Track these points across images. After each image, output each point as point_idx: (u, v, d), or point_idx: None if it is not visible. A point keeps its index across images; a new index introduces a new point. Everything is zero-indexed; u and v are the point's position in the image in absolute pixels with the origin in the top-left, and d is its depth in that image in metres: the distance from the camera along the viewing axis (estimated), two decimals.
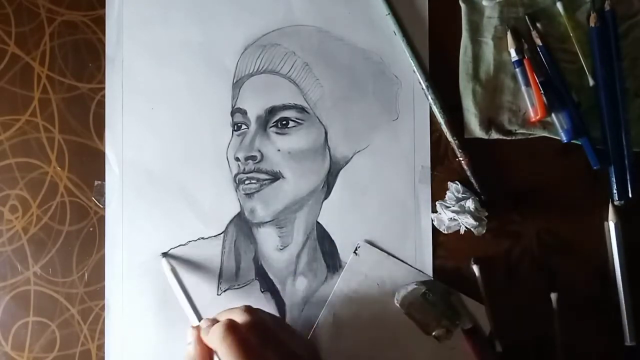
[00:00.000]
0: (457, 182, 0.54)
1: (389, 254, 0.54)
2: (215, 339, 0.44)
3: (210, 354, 0.46)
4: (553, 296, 0.53)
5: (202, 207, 0.55)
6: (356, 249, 0.54)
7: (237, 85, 0.55)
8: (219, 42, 0.55)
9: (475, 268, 0.53)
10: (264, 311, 0.49)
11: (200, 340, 0.46)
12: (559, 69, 0.54)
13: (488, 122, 0.54)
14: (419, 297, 0.52)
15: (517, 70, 0.53)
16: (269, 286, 0.54)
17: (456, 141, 0.54)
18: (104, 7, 0.55)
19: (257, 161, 0.54)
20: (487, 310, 0.53)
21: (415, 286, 0.53)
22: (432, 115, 0.54)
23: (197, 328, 0.47)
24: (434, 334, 0.52)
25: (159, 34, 0.55)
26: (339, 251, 0.54)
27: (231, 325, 0.45)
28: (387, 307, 0.51)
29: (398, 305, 0.53)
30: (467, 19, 0.54)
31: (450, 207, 0.53)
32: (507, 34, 0.53)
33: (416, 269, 0.54)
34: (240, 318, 0.46)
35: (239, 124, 0.55)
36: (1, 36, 0.55)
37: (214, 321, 0.47)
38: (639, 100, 0.54)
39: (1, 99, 0.55)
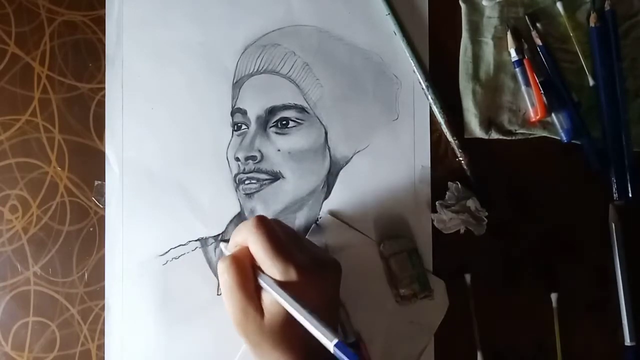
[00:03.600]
0: (457, 182, 0.54)
1: (350, 225, 0.54)
2: (247, 230, 0.45)
3: (248, 256, 0.46)
4: (553, 296, 0.53)
5: (202, 207, 0.55)
6: (317, 220, 0.54)
7: (237, 85, 0.55)
8: (219, 42, 0.55)
9: (467, 277, 0.53)
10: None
11: (245, 248, 0.47)
12: (559, 69, 0.54)
13: (488, 122, 0.54)
14: (404, 252, 0.52)
15: (517, 70, 0.53)
16: None
17: (456, 141, 0.54)
18: (104, 7, 0.55)
19: (257, 161, 0.54)
20: (474, 323, 0.53)
21: (406, 240, 0.53)
22: (432, 115, 0.54)
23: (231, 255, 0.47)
24: (401, 291, 0.52)
25: (159, 34, 0.55)
26: None
27: (262, 218, 0.46)
28: (347, 277, 0.51)
29: (381, 249, 0.53)
30: (467, 19, 0.54)
31: (450, 207, 0.53)
32: (507, 34, 0.53)
33: (377, 241, 0.54)
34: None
35: (239, 124, 0.55)
36: (1, 36, 0.55)
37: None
38: (639, 100, 0.54)
39: (1, 99, 0.55)
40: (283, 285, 0.44)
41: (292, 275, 0.44)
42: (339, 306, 0.49)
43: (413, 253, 0.53)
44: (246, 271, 0.46)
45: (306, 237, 0.54)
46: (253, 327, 0.45)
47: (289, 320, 0.44)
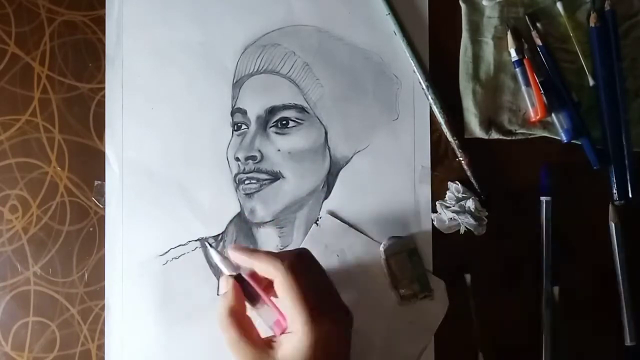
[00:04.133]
0: (457, 182, 0.54)
1: (350, 225, 0.54)
2: (277, 267, 0.44)
3: (243, 303, 0.45)
4: (555, 289, 0.53)
5: (202, 207, 0.55)
6: (317, 220, 0.54)
7: (237, 85, 0.55)
8: (219, 42, 0.55)
9: (467, 277, 0.53)
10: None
11: (237, 287, 0.45)
12: (559, 69, 0.54)
13: (488, 122, 0.54)
14: (404, 252, 0.52)
15: (517, 70, 0.53)
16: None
17: (456, 141, 0.54)
18: (104, 7, 0.55)
19: (257, 161, 0.54)
20: (475, 323, 0.53)
21: (407, 240, 0.53)
22: (432, 115, 0.54)
23: (234, 278, 0.46)
24: (401, 291, 0.52)
25: (159, 34, 0.55)
26: None
27: (296, 262, 0.44)
28: (347, 277, 0.51)
29: (382, 250, 0.53)
30: (467, 19, 0.54)
31: (450, 207, 0.53)
32: (507, 34, 0.53)
33: (377, 241, 0.54)
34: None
35: (239, 124, 0.55)
36: (1, 36, 0.55)
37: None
38: (639, 100, 0.54)
39: (1, 99, 0.55)
40: (310, 333, 0.43)
41: (314, 330, 0.43)
42: (349, 350, 0.47)
43: (413, 253, 0.53)
44: (247, 320, 0.45)
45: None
46: None
47: None
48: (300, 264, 0.44)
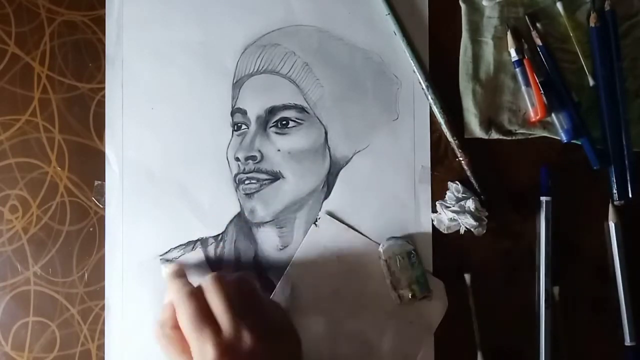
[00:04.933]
0: (457, 182, 0.54)
1: (349, 226, 0.54)
2: (175, 294, 0.46)
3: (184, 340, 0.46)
4: (555, 289, 0.53)
5: (202, 207, 0.55)
6: (316, 221, 0.54)
7: (237, 85, 0.55)
8: (219, 42, 0.55)
9: (466, 277, 0.53)
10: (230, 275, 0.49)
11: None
12: (559, 69, 0.54)
13: (488, 122, 0.54)
14: (403, 253, 0.52)
15: (517, 70, 0.53)
16: (268, 286, 0.54)
17: (456, 141, 0.54)
18: (104, 7, 0.55)
19: (257, 161, 0.54)
20: (475, 322, 0.53)
21: (405, 242, 0.53)
22: (432, 115, 0.54)
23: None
24: (400, 292, 0.52)
25: (159, 34, 0.55)
26: None
27: (220, 278, 0.47)
28: (346, 279, 0.51)
29: (381, 251, 0.53)
30: (467, 19, 0.54)
31: (450, 207, 0.53)
32: (507, 34, 0.53)
33: (376, 242, 0.54)
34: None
35: (239, 124, 0.55)
36: (1, 36, 0.55)
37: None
38: (639, 100, 0.54)
39: (1, 99, 0.55)
40: (231, 348, 0.44)
41: (245, 340, 0.44)
42: None
43: (412, 254, 0.53)
44: (183, 338, 0.46)
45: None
46: None
47: None
48: (230, 278, 0.47)
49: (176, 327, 0.46)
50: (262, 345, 0.44)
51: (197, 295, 0.46)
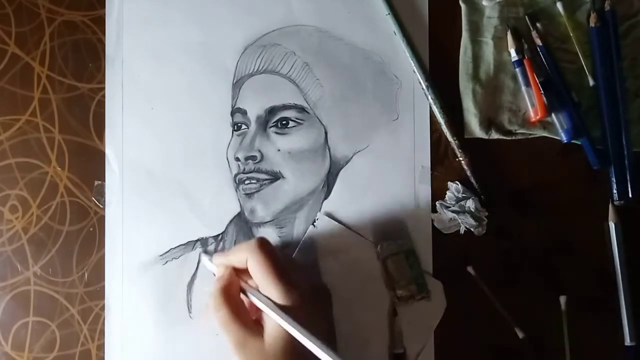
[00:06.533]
0: (457, 182, 0.54)
1: (347, 226, 0.54)
2: (248, 250, 0.47)
3: (237, 286, 0.48)
4: (562, 299, 0.53)
5: (202, 207, 0.55)
6: (314, 221, 0.54)
7: (237, 85, 0.55)
8: (219, 42, 0.55)
9: (470, 269, 0.53)
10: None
11: (232, 271, 0.49)
12: (559, 69, 0.54)
13: (488, 122, 0.54)
14: (401, 253, 0.52)
15: (517, 70, 0.53)
16: None
17: (456, 141, 0.54)
18: (104, 7, 0.55)
19: (257, 161, 0.54)
20: (497, 304, 0.53)
21: (403, 242, 0.53)
22: (432, 115, 0.54)
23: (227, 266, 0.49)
24: (398, 292, 0.52)
25: (159, 34, 0.55)
26: None
27: (264, 240, 0.48)
28: (344, 279, 0.51)
29: (379, 251, 0.53)
30: (467, 19, 0.54)
31: (450, 207, 0.53)
32: (507, 34, 0.53)
33: (374, 243, 0.53)
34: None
35: (239, 124, 0.55)
36: (1, 36, 0.55)
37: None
38: (639, 100, 0.54)
39: (1, 99, 0.55)
40: (284, 309, 0.45)
41: (294, 300, 0.45)
42: (334, 329, 0.50)
43: (410, 254, 0.53)
44: (239, 301, 0.48)
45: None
46: (254, 354, 0.45)
47: (290, 343, 0.44)
48: (267, 244, 0.48)
49: (235, 294, 0.48)
50: (307, 302, 0.46)
51: (267, 248, 0.47)
